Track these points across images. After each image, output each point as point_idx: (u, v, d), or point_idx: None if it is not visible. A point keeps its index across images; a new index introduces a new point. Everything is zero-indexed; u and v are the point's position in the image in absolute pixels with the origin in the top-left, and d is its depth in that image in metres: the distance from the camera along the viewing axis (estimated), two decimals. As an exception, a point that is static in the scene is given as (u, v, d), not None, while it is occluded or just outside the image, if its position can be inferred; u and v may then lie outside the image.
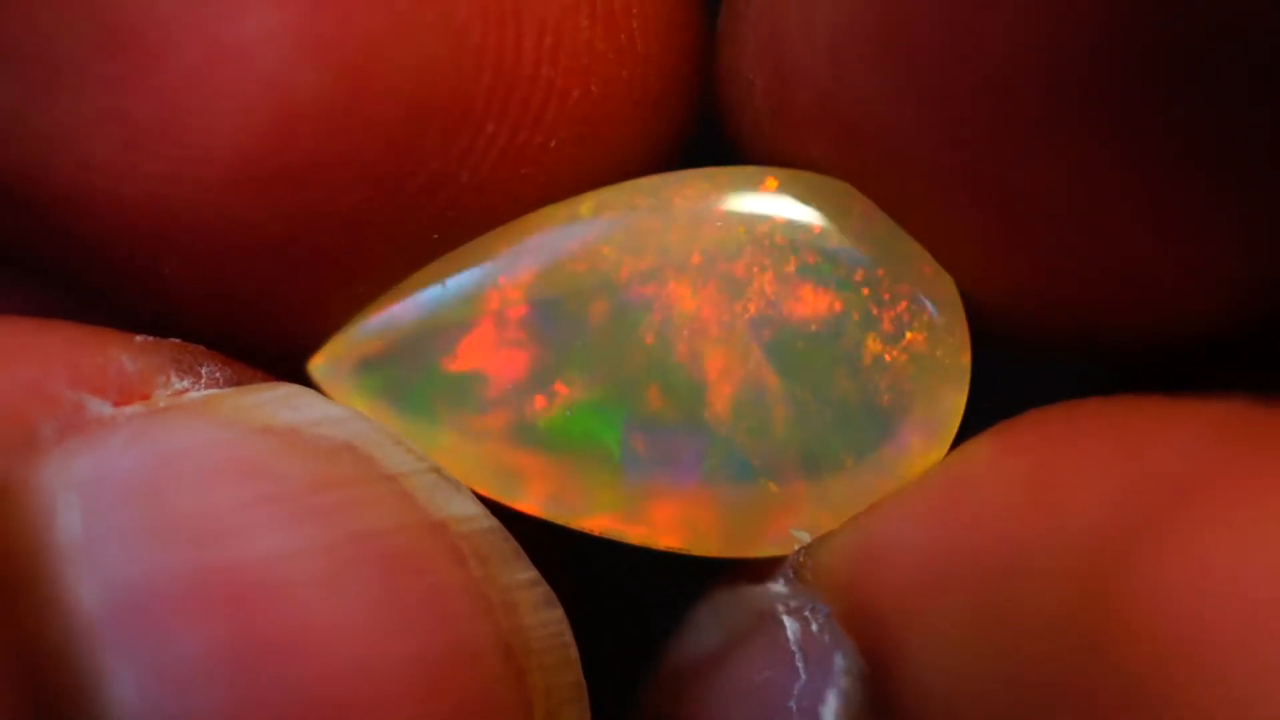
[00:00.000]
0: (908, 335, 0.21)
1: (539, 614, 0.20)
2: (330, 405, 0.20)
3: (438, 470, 0.20)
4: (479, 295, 0.21)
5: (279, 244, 0.21)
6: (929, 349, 0.21)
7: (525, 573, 0.20)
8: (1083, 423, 0.20)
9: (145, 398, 0.20)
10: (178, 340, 0.21)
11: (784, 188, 0.22)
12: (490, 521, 0.20)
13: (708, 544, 0.21)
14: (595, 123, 0.22)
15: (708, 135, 0.24)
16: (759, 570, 0.21)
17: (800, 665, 0.20)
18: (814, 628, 0.20)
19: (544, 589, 0.20)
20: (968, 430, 0.21)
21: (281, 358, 0.22)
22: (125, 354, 0.20)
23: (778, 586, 0.21)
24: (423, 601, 0.19)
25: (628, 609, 0.22)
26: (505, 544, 0.20)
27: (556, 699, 0.20)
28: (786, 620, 0.21)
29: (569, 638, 0.20)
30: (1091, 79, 0.18)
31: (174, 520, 0.18)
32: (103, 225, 0.21)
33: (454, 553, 0.20)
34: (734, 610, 0.21)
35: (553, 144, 0.21)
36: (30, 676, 0.18)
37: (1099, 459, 0.19)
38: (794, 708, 0.20)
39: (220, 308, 0.21)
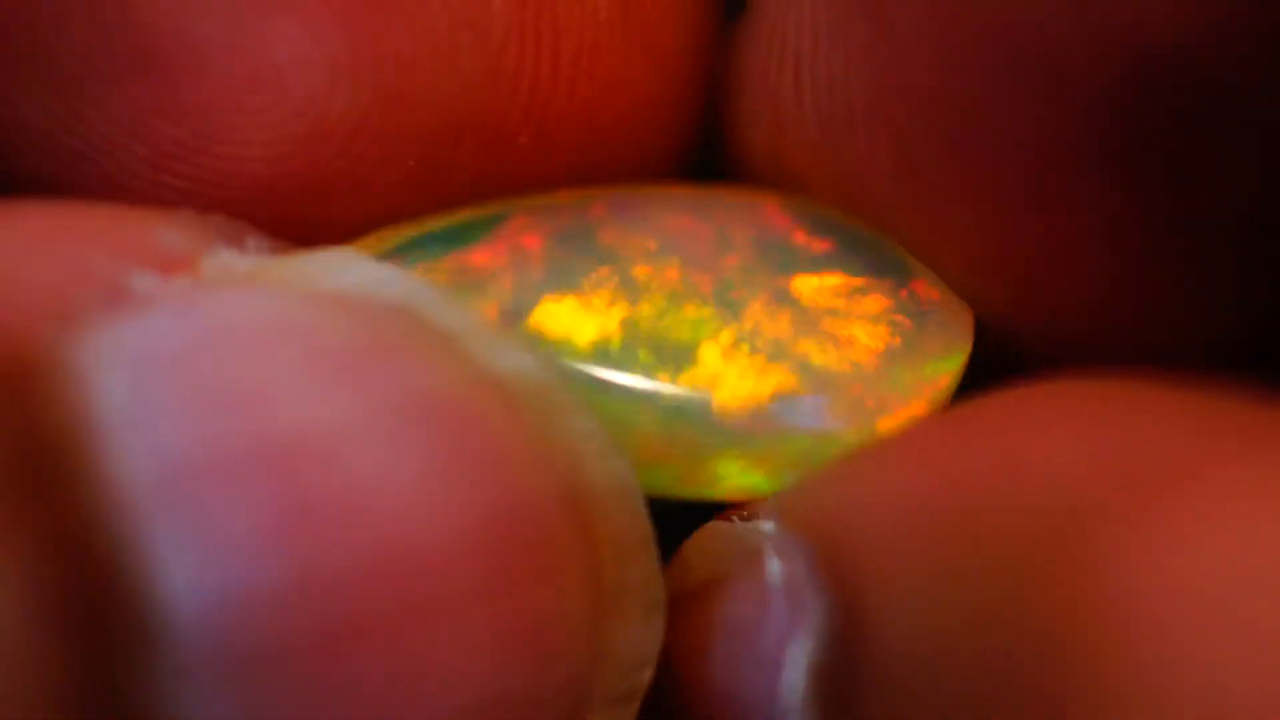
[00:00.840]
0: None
1: (602, 464, 0.19)
2: (380, 267, 0.20)
3: (493, 327, 0.20)
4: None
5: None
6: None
7: (586, 424, 0.20)
8: (1067, 396, 0.20)
9: (192, 270, 0.20)
10: (222, 215, 0.21)
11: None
12: (548, 374, 0.20)
13: None
14: (627, 139, 0.22)
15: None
16: (748, 509, 0.22)
17: (780, 604, 0.20)
18: (797, 569, 0.20)
19: (606, 439, 0.20)
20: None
21: None
22: (171, 229, 0.20)
23: (767, 526, 0.21)
24: (481, 456, 0.19)
25: None
26: (564, 395, 0.20)
27: (623, 547, 0.19)
28: (772, 559, 0.21)
29: (635, 487, 0.20)
30: (1088, 149, 0.19)
31: (221, 390, 0.18)
32: None
33: (511, 407, 0.19)
34: (723, 546, 0.21)
35: (585, 161, 0.22)
36: (74, 565, 0.18)
37: (1081, 434, 0.18)
38: (770, 645, 0.20)
39: None
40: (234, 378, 0.18)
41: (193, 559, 0.17)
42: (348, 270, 0.20)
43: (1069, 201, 0.19)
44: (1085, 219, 0.19)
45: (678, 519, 0.22)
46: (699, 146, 0.24)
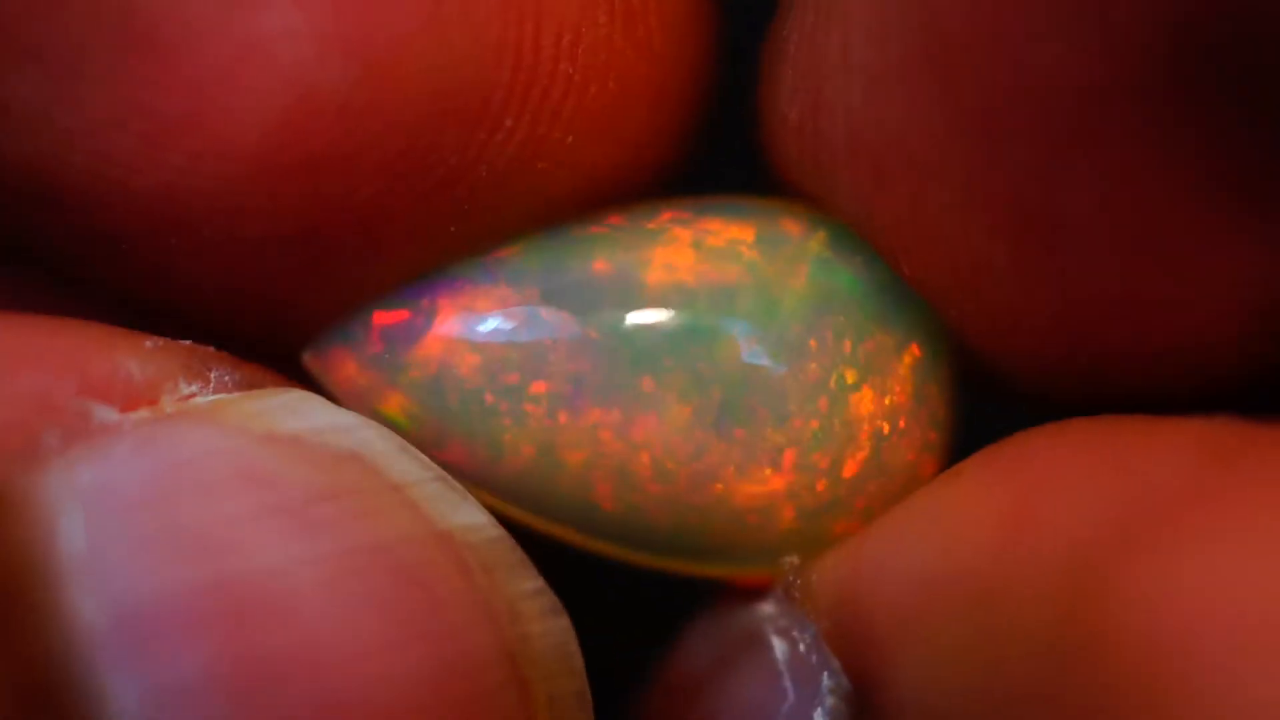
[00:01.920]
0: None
1: (544, 623, 0.20)
2: (336, 412, 0.20)
3: (444, 479, 0.20)
4: None
5: (296, 236, 0.21)
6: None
7: (531, 582, 0.20)
8: (1068, 442, 0.20)
9: (153, 403, 0.20)
10: (188, 343, 0.21)
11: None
12: (496, 530, 0.20)
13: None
14: (613, 118, 0.22)
15: (724, 138, 0.24)
16: (749, 591, 0.22)
17: (788, 685, 0.20)
18: (801, 648, 0.21)
19: (549, 598, 0.20)
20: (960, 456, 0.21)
21: (297, 351, 0.22)
22: (134, 359, 0.20)
23: (767, 607, 0.21)
24: (426, 612, 0.19)
25: (618, 629, 0.22)
26: (511, 553, 0.20)
27: (560, 708, 0.20)
28: (775, 640, 0.21)
29: (574, 647, 0.20)
30: (1138, 94, 0.18)
31: (176, 533, 0.18)
32: (118, 219, 0.21)
33: (459, 562, 0.20)
34: (724, 630, 0.22)
35: (570, 139, 0.22)
36: (30, 692, 0.18)
37: (1083, 477, 0.19)
38: None
39: (236, 301, 0.22)
40: (190, 521, 0.19)
41: (144, 699, 0.18)
42: (304, 412, 0.20)
43: (1125, 149, 0.19)
44: (1136, 161, 0.19)
45: (672, 598, 0.22)
46: (697, 127, 0.23)
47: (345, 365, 0.22)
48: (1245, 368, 0.20)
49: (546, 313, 0.21)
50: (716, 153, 0.24)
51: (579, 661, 0.20)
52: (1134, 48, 0.18)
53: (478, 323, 0.21)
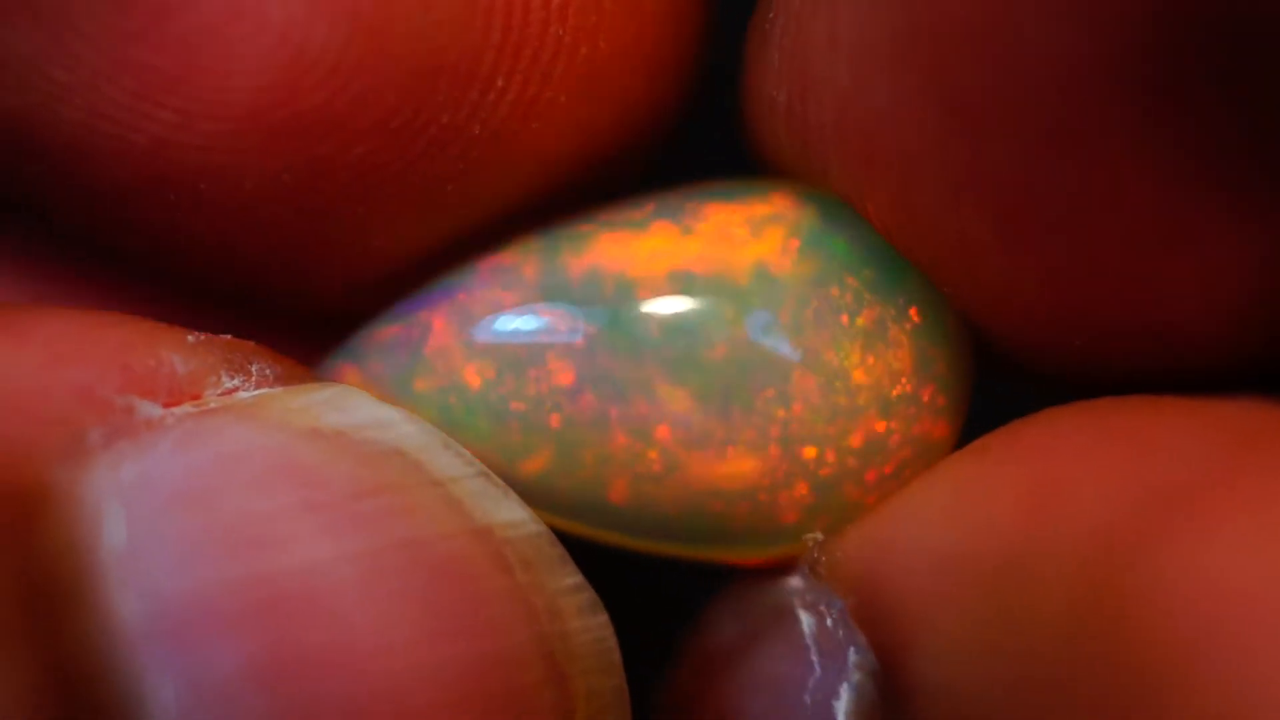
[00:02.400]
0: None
1: (582, 619, 0.20)
2: (379, 407, 0.20)
3: (486, 475, 0.20)
4: None
5: (289, 194, 0.21)
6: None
7: (570, 578, 0.20)
8: (1094, 422, 0.20)
9: (196, 398, 0.20)
10: (229, 337, 0.21)
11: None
12: (537, 526, 0.20)
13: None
14: (603, 79, 0.22)
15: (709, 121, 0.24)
16: (775, 567, 0.22)
17: (815, 660, 0.20)
18: (828, 623, 0.21)
19: (589, 594, 0.20)
20: (980, 429, 0.21)
21: (294, 310, 0.23)
22: (177, 354, 0.20)
23: (795, 581, 0.21)
24: (465, 609, 0.19)
25: (645, 604, 0.22)
26: (550, 549, 0.20)
27: (598, 704, 0.20)
28: (802, 615, 0.21)
29: (612, 643, 0.20)
30: (1121, 78, 0.18)
31: (217, 529, 0.19)
32: (111, 174, 0.21)
33: (499, 559, 0.20)
34: (750, 605, 0.22)
35: (562, 99, 0.22)
36: (72, 687, 0.18)
37: (1109, 459, 0.18)
38: (808, 701, 0.20)
39: (231, 260, 0.22)
40: (232, 517, 0.19)
41: (182, 696, 0.18)
42: (348, 407, 0.20)
43: (1109, 133, 0.18)
44: (1120, 148, 0.19)
45: (697, 579, 0.22)
46: (686, 91, 0.23)
47: (352, 383, 0.22)
48: (1239, 352, 0.20)
49: (543, 312, 0.21)
50: (699, 138, 0.24)
51: (617, 657, 0.20)
52: (1116, 34, 0.18)
53: (476, 329, 0.22)
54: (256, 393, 0.20)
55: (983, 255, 0.20)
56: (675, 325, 0.21)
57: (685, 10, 0.23)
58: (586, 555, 0.21)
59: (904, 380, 0.21)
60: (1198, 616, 0.16)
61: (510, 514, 0.20)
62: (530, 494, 0.21)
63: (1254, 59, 0.17)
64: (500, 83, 0.21)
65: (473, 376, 0.21)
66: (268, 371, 0.21)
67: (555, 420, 0.21)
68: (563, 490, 0.21)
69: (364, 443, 0.20)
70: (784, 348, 0.21)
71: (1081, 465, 0.19)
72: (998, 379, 0.22)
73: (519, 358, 0.21)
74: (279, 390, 0.21)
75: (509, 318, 0.22)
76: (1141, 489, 0.18)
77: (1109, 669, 0.17)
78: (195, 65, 0.20)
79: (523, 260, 0.22)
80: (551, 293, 0.21)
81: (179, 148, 0.20)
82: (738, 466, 0.21)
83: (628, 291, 0.21)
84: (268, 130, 0.20)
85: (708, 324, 0.21)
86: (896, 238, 0.21)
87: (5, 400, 0.19)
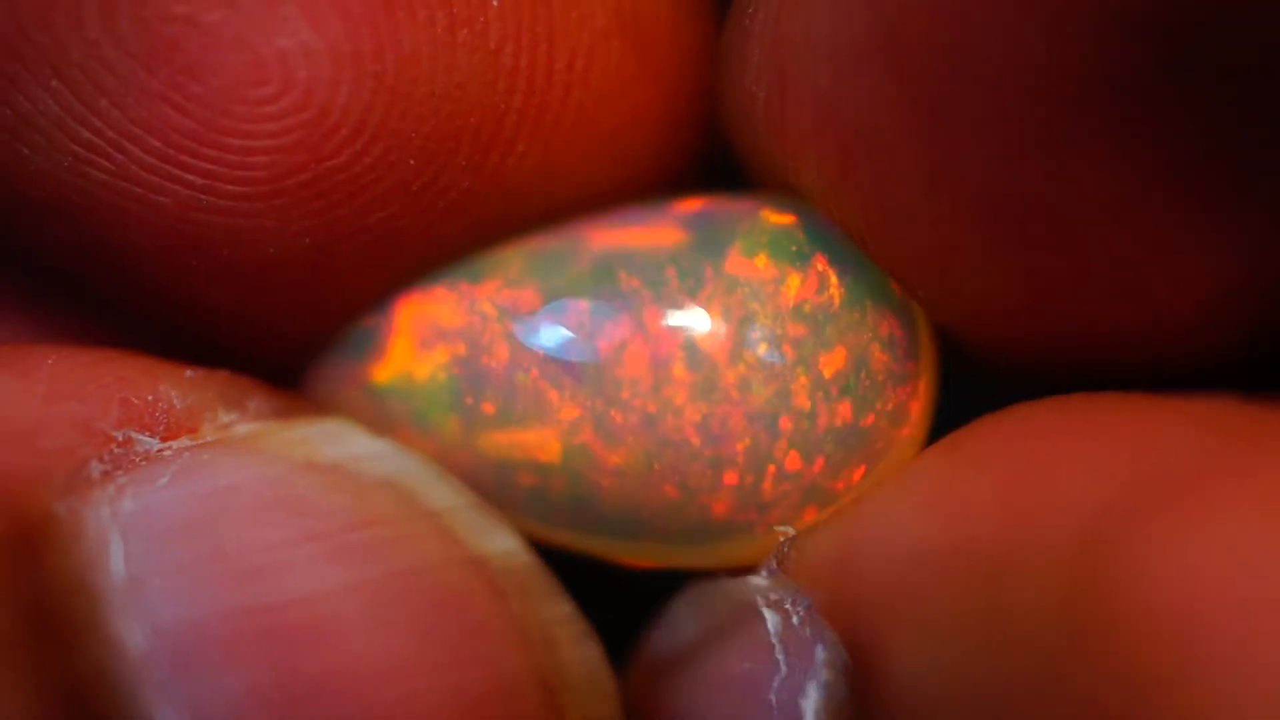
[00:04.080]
0: None
1: (576, 648, 0.20)
2: (373, 440, 0.21)
3: (478, 505, 0.21)
4: None
5: (310, 256, 0.21)
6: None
7: (563, 607, 0.20)
8: (1070, 417, 0.20)
9: (193, 431, 0.20)
10: (226, 372, 0.21)
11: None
12: (529, 557, 0.20)
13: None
14: (625, 143, 0.22)
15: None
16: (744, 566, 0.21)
17: (780, 658, 0.20)
18: (795, 620, 0.20)
19: (581, 624, 0.20)
20: (949, 424, 0.21)
21: (299, 365, 0.23)
22: (175, 389, 0.21)
23: (758, 579, 0.21)
24: (462, 638, 0.19)
25: (606, 601, 0.22)
26: (543, 579, 0.20)
27: None
28: (767, 612, 0.20)
29: (606, 672, 0.20)
30: (1088, 80, 0.18)
31: (218, 559, 0.19)
32: (136, 236, 0.21)
33: (494, 589, 0.20)
34: (713, 602, 0.21)
35: (582, 163, 0.22)
36: (80, 715, 0.18)
37: (1086, 454, 0.18)
38: (774, 701, 0.20)
39: (251, 320, 0.22)
40: (230, 548, 0.19)
41: None
42: (343, 440, 0.21)
43: (1080, 135, 0.18)
44: (1089, 149, 0.18)
45: (654, 580, 0.22)
46: (705, 146, 0.24)
47: (320, 385, 0.22)
48: (1216, 349, 0.20)
49: (500, 309, 0.22)
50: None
51: (612, 685, 0.20)
52: (1079, 36, 0.18)
53: (439, 330, 0.22)
54: (253, 426, 0.21)
55: (958, 255, 0.20)
56: (633, 326, 0.21)
57: (703, 67, 0.23)
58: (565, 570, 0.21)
59: (874, 378, 0.22)
60: (1181, 614, 0.16)
61: (503, 544, 0.20)
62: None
63: (1211, 61, 0.18)
64: (521, 147, 0.21)
65: (431, 372, 0.22)
66: (264, 406, 0.21)
67: (519, 423, 0.21)
68: (521, 497, 0.21)
69: (359, 475, 0.20)
70: (756, 356, 0.21)
71: (1058, 461, 0.19)
72: (967, 373, 0.22)
73: (481, 357, 0.21)
74: (275, 424, 0.21)
75: (471, 316, 0.22)
76: (1119, 484, 0.17)
77: (1093, 667, 0.16)
78: (220, 126, 0.20)
79: (482, 261, 0.22)
80: (515, 292, 0.22)
81: (204, 210, 0.21)
82: (708, 467, 0.21)
83: (594, 289, 0.21)
84: (290, 191, 0.21)
85: (669, 331, 0.21)
86: (871, 239, 0.21)
87: (7, 434, 0.19)
